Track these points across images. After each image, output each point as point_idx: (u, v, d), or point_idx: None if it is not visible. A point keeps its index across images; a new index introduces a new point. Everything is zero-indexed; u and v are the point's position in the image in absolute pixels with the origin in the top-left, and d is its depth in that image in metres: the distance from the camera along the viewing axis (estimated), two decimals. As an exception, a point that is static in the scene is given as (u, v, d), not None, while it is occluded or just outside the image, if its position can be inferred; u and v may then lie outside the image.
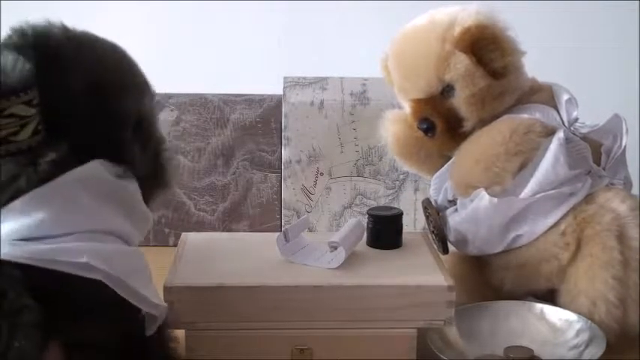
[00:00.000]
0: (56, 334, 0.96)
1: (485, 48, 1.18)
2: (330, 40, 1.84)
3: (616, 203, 1.19)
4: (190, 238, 1.26)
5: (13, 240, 0.94)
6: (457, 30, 1.18)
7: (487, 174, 1.18)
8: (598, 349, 1.10)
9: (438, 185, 1.26)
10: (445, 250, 1.26)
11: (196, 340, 1.09)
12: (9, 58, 0.95)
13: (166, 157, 1.11)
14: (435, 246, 1.26)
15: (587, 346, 1.13)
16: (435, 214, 1.25)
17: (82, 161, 0.99)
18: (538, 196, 1.18)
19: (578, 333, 1.15)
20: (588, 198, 1.20)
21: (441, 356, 1.09)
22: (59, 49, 0.99)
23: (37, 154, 0.96)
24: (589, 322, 1.15)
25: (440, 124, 1.21)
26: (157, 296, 1.03)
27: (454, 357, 1.11)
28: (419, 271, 1.15)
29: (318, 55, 1.83)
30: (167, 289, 1.08)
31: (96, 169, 0.99)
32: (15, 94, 0.93)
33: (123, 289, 0.98)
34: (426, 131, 1.22)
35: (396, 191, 1.52)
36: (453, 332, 1.15)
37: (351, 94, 1.50)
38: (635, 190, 1.28)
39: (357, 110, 1.50)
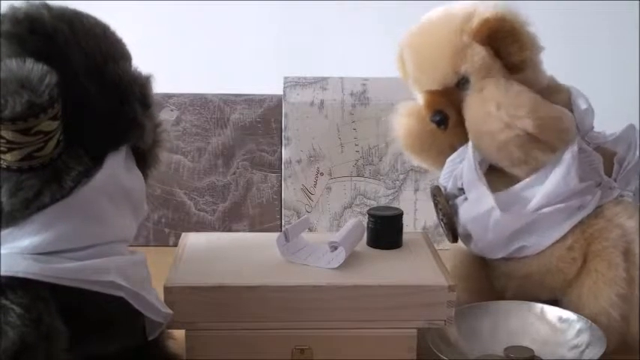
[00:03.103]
0: (76, 350, 0.96)
1: (504, 40, 1.16)
2: (330, 40, 1.84)
3: (624, 219, 1.18)
4: (190, 238, 1.26)
5: (36, 254, 0.94)
6: (475, 21, 1.17)
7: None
8: (598, 349, 1.10)
9: (449, 171, 1.23)
10: (455, 239, 1.23)
11: (196, 340, 1.09)
12: (37, 71, 0.91)
13: (161, 124, 1.09)
14: (445, 234, 1.24)
15: (587, 346, 1.13)
16: (444, 202, 1.23)
17: (96, 154, 0.98)
18: (546, 210, 1.17)
19: (578, 333, 1.15)
20: (597, 211, 1.19)
21: (441, 356, 1.09)
22: (55, 32, 0.96)
23: (59, 167, 0.94)
24: (589, 322, 1.15)
25: (453, 116, 1.19)
26: (159, 300, 1.04)
27: (454, 357, 1.11)
28: (419, 271, 1.15)
29: (318, 55, 1.82)
30: (167, 290, 1.08)
31: (112, 172, 0.98)
32: (44, 111, 0.91)
33: (139, 303, 1.00)
34: (438, 123, 1.20)
35: (396, 191, 1.52)
36: (453, 332, 1.15)
37: (351, 94, 1.50)
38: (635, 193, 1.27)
39: (357, 110, 1.50)
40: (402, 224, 1.24)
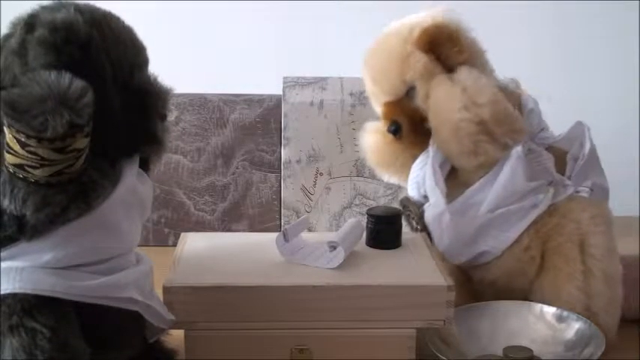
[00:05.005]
0: None
1: (443, 46, 1.21)
2: (330, 40, 1.84)
3: (577, 213, 1.20)
4: (190, 238, 1.26)
5: (57, 269, 0.93)
6: (416, 31, 1.21)
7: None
8: (597, 348, 1.10)
9: (414, 181, 1.26)
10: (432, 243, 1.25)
11: (196, 340, 1.10)
12: (75, 87, 0.87)
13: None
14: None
15: (586, 345, 1.13)
16: (415, 210, 1.26)
17: (111, 161, 0.97)
18: (498, 211, 1.19)
19: (577, 332, 1.15)
20: (551, 209, 1.20)
21: (441, 356, 1.09)
22: (89, 41, 0.92)
23: (85, 182, 0.92)
24: (588, 321, 1.15)
25: (406, 124, 1.23)
26: (163, 306, 1.04)
27: (454, 357, 1.11)
28: (419, 271, 1.15)
29: (318, 55, 1.83)
30: (167, 289, 1.08)
31: (129, 184, 0.98)
32: (81, 130, 0.88)
33: (149, 313, 1.00)
34: (394, 133, 1.24)
35: (396, 191, 1.52)
36: (452, 332, 1.15)
37: (351, 94, 1.50)
38: (635, 193, 1.27)
39: (356, 110, 1.50)
40: (401, 224, 1.24)
